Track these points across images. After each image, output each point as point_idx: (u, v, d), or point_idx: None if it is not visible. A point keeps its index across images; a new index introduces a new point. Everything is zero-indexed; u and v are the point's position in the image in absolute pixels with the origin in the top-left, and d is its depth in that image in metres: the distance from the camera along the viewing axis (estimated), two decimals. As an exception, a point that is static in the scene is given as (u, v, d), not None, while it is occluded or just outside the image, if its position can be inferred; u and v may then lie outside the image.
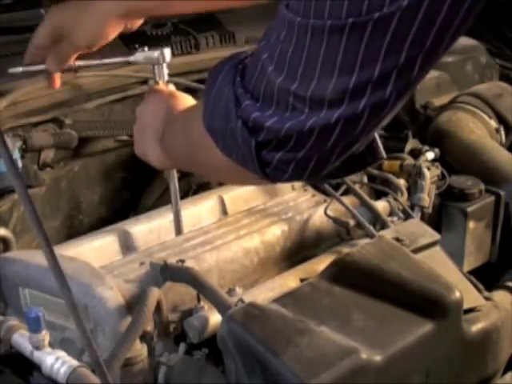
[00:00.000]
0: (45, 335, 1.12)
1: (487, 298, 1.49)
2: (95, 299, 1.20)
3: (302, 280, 1.38)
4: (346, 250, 1.46)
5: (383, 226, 1.58)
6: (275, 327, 1.20)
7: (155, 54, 1.36)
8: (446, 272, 1.43)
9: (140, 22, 1.28)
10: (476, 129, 1.97)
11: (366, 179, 1.72)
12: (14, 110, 1.52)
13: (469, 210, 1.76)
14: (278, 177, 0.92)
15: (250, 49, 0.93)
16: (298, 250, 1.53)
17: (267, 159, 0.90)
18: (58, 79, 1.31)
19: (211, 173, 1.13)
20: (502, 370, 1.49)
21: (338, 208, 1.58)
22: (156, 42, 1.73)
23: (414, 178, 1.74)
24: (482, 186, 1.80)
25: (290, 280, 1.39)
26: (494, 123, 2.02)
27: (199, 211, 1.55)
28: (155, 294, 1.22)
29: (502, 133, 2.02)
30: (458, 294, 1.33)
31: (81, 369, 1.09)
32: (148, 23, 1.78)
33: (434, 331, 1.29)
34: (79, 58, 1.29)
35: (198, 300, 1.30)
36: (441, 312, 1.31)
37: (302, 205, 1.60)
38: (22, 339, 1.16)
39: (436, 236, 1.55)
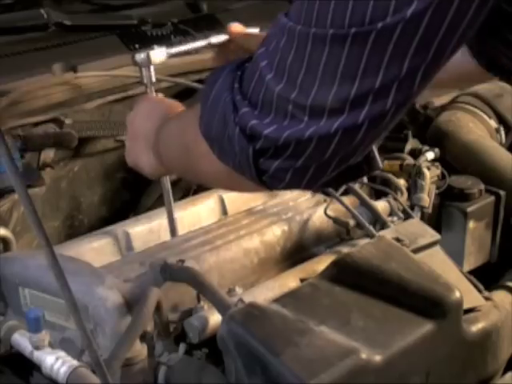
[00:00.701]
0: (45, 335, 1.12)
1: (487, 298, 1.49)
2: (95, 299, 1.20)
3: (302, 280, 1.38)
4: (345, 249, 1.46)
5: (383, 226, 1.57)
6: (275, 327, 1.20)
7: (141, 55, 1.33)
8: (446, 272, 1.43)
9: None
10: (476, 129, 1.97)
11: (365, 179, 1.72)
12: (14, 110, 1.52)
13: (469, 210, 1.76)
14: (274, 185, 0.91)
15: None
16: (297, 250, 1.52)
17: (264, 167, 0.88)
18: None
19: (206, 179, 1.11)
20: (501, 370, 1.49)
21: (338, 208, 1.57)
22: (156, 42, 1.73)
23: (414, 178, 1.74)
24: (482, 186, 1.80)
25: (290, 280, 1.39)
26: (493, 123, 2.02)
27: (199, 211, 1.55)
28: (155, 293, 1.21)
29: (502, 133, 2.02)
30: (457, 294, 1.33)
31: (81, 369, 1.09)
32: (148, 23, 1.78)
33: (434, 331, 1.29)
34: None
35: (198, 300, 1.30)
36: (441, 312, 1.31)
37: (302, 205, 1.60)
38: (21, 339, 1.17)
39: (436, 236, 1.55)
